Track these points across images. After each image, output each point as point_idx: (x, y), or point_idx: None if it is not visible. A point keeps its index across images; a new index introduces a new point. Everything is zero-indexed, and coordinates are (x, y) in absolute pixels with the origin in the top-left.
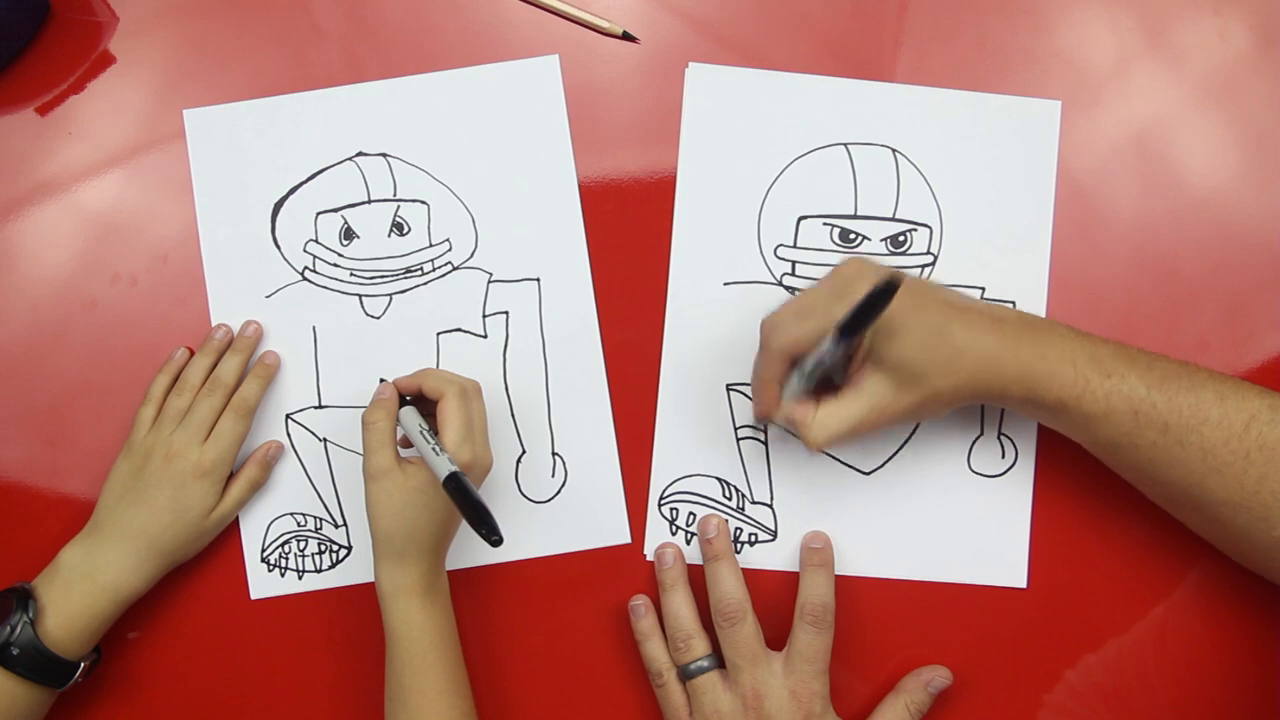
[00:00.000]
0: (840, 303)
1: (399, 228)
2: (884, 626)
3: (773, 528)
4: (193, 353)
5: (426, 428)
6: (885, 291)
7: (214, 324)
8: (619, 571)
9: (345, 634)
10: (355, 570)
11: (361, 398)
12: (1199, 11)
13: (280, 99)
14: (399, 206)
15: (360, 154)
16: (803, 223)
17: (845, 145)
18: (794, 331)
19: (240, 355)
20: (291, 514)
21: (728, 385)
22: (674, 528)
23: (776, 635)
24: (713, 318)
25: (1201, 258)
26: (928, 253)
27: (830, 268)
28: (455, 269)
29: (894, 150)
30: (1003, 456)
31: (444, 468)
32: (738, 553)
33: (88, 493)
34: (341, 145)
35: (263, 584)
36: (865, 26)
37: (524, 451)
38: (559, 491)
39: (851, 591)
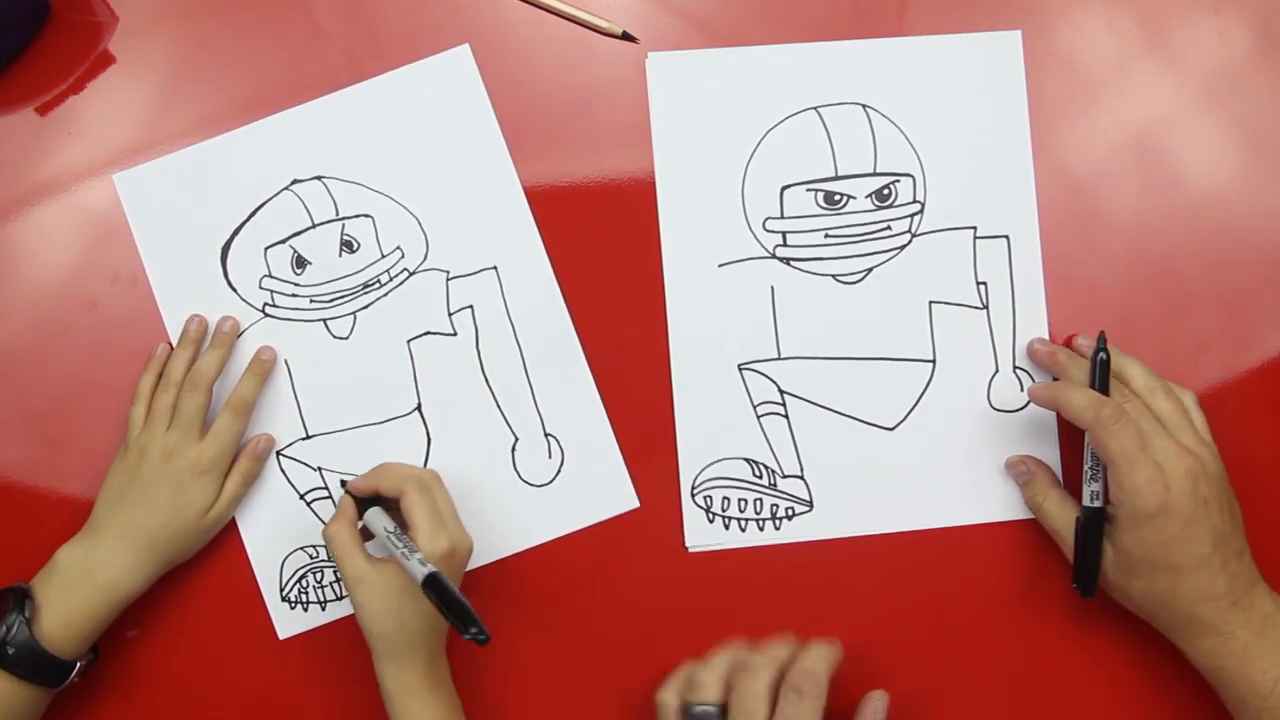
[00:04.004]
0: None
1: (348, 245)
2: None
3: (808, 498)
4: (174, 348)
5: (394, 529)
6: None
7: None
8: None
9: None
10: None
11: (346, 420)
12: (1199, 11)
13: (205, 144)
14: (344, 225)
15: (295, 181)
16: (786, 192)
17: (815, 109)
18: (1119, 443)
19: (220, 350)
20: (302, 548)
21: (739, 365)
22: (710, 515)
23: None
24: (713, 301)
25: (1201, 258)
26: (914, 201)
27: (818, 231)
28: (412, 274)
29: (864, 106)
30: (1021, 390)
31: (419, 571)
32: (776, 529)
33: (87, 493)
34: (275, 177)
35: (288, 622)
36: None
37: (517, 439)
38: (559, 471)
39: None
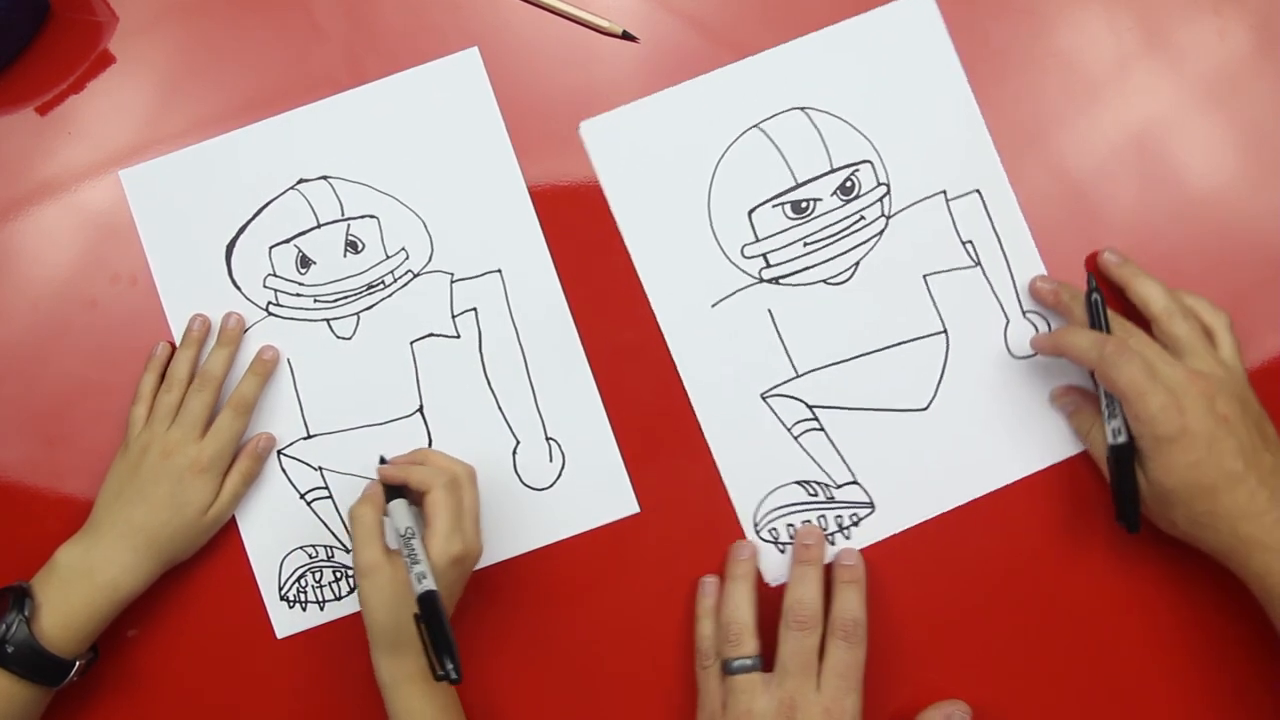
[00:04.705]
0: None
1: (353, 246)
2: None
3: (868, 499)
4: (174, 347)
5: (407, 530)
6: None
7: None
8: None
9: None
10: None
11: (347, 420)
12: (1199, 11)
13: (212, 142)
14: (349, 225)
15: (301, 180)
16: (754, 214)
17: (757, 126)
18: (1128, 376)
19: (227, 348)
20: (301, 548)
21: (762, 395)
22: (780, 546)
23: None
24: (716, 340)
25: (1201, 258)
26: (879, 184)
27: (796, 242)
28: (416, 276)
29: (803, 109)
30: (1037, 333)
31: (416, 585)
32: (847, 539)
33: (87, 492)
34: (281, 176)
35: (286, 622)
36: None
37: (518, 442)
38: (559, 475)
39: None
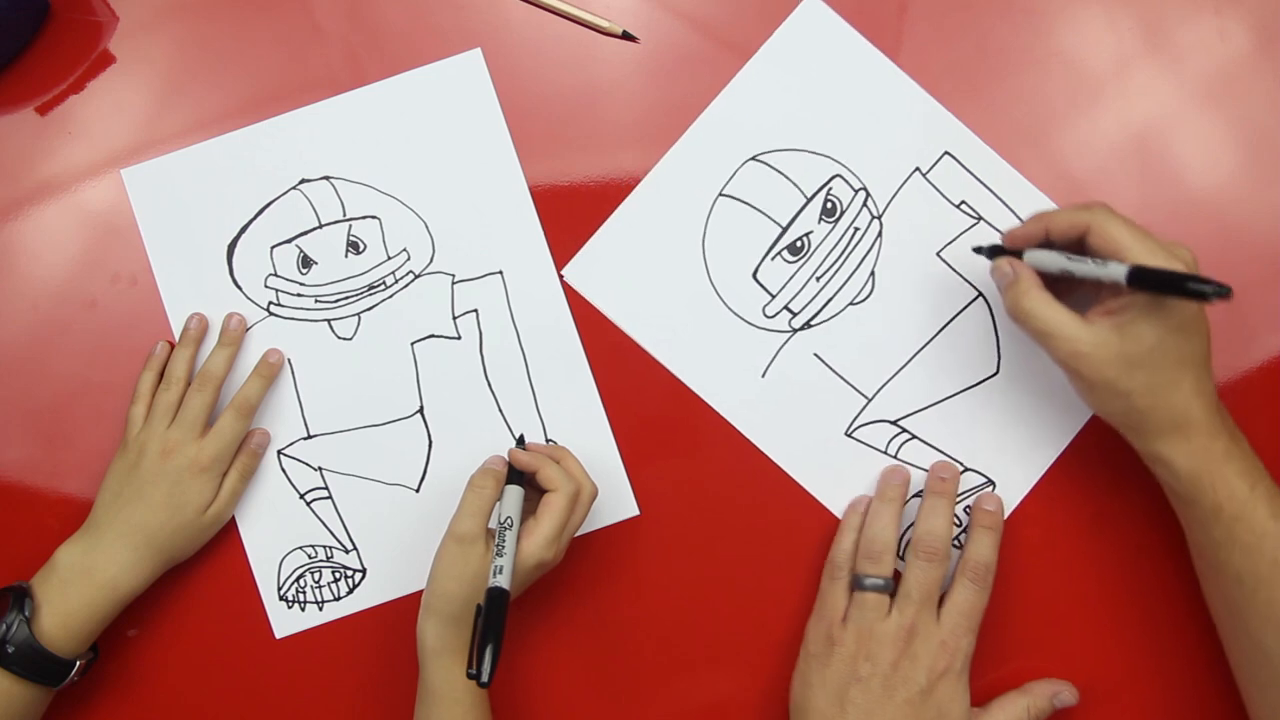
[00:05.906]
0: (1157, 257)
1: (354, 246)
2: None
3: (985, 478)
4: (174, 346)
5: (509, 520)
6: (1205, 293)
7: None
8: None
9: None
10: (374, 593)
11: (348, 420)
12: (1199, 11)
13: (214, 141)
14: (351, 225)
15: (303, 180)
16: (759, 273)
17: (721, 194)
18: (1111, 231)
19: (228, 348)
20: (300, 548)
21: (846, 433)
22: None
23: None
24: (778, 403)
25: (1201, 258)
26: (857, 190)
27: (809, 282)
28: (417, 277)
29: (754, 158)
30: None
31: (492, 577)
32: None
33: (87, 492)
34: (283, 176)
35: (285, 622)
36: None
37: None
38: None
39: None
